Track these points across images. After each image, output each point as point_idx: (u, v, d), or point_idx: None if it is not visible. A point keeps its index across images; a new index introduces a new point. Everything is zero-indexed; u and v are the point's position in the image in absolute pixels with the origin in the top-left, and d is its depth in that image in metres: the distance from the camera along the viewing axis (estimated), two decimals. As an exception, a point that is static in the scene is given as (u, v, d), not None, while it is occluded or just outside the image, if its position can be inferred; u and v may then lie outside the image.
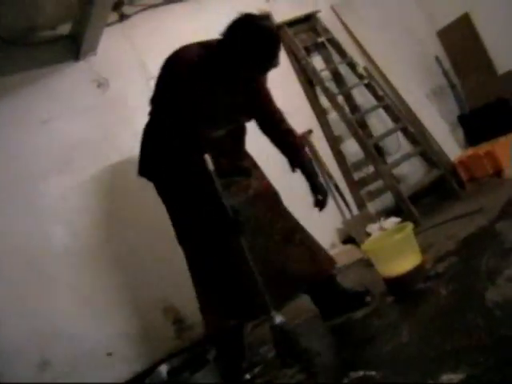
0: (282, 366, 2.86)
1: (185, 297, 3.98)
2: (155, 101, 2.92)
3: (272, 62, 2.58)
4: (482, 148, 4.91)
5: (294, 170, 3.12)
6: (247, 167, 3.05)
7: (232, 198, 2.78)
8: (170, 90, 2.72)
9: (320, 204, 3.07)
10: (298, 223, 3.11)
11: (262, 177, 3.13)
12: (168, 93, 2.73)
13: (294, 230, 3.06)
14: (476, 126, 5.40)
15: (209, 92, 2.67)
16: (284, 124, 3.12)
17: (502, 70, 5.73)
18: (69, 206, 3.85)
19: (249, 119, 3.03)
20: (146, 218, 4.02)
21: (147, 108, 4.28)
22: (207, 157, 2.61)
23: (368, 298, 3.07)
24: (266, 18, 2.64)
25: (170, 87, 2.71)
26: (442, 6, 5.99)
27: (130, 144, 4.03)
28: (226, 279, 2.90)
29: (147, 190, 4.04)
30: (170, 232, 4.05)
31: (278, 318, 2.72)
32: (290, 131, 3.13)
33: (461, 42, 5.99)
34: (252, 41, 2.52)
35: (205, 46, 2.71)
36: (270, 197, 3.07)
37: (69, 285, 3.73)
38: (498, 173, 4.66)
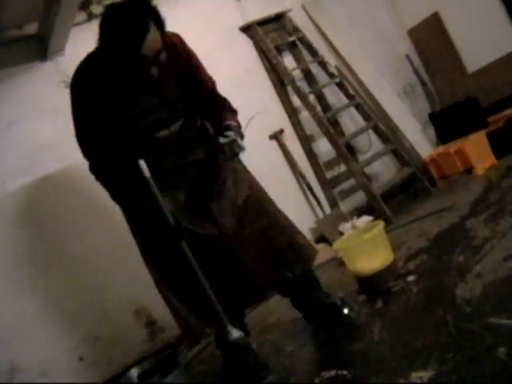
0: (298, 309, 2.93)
1: (157, 299, 3.95)
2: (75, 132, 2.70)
3: (133, 30, 2.31)
4: (453, 146, 4.94)
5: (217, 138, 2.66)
6: (199, 159, 2.73)
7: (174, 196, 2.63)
8: (75, 117, 2.61)
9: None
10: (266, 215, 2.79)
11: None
12: (76, 120, 2.62)
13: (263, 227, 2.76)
14: (446, 123, 5.44)
15: (118, 95, 2.51)
16: (218, 94, 2.84)
17: (471, 69, 5.79)
18: (35, 209, 3.79)
19: (182, 100, 2.68)
20: (115, 217, 3.96)
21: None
22: (142, 163, 2.48)
23: (345, 311, 2.81)
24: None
25: (74, 114, 2.61)
26: (412, 5, 6.03)
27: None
28: (176, 286, 2.73)
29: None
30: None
31: (235, 334, 2.59)
32: (223, 100, 2.85)
33: (431, 41, 6.04)
34: (104, 23, 2.36)
35: (93, 54, 2.56)
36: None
37: (36, 287, 3.66)
38: (469, 170, 4.70)
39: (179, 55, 2.63)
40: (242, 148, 2.58)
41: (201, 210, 2.64)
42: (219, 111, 2.77)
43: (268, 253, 2.72)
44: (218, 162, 2.74)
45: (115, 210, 3.98)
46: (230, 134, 2.56)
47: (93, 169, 2.68)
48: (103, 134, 2.56)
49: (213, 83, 2.82)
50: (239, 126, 2.70)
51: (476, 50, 5.63)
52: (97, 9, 4.29)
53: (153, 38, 2.33)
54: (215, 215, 2.64)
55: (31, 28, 3.94)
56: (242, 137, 2.64)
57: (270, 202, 2.87)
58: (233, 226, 2.65)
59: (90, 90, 2.50)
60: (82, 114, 2.58)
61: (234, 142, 2.54)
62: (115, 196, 2.67)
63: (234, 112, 2.82)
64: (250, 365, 2.62)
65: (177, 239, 2.53)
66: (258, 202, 2.78)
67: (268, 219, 2.76)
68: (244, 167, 2.88)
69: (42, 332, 3.61)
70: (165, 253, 2.65)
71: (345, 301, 2.86)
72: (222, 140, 2.55)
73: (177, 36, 2.68)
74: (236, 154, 2.61)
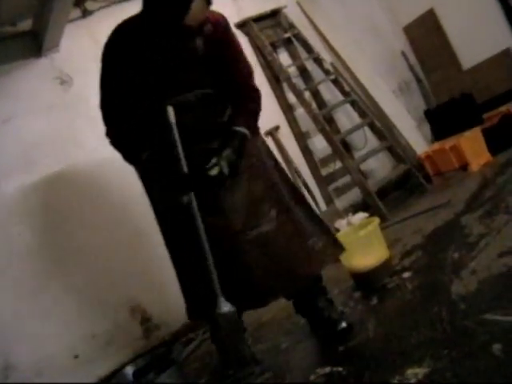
0: (302, 314, 2.81)
1: (152, 296, 3.97)
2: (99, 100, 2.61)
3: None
4: (448, 142, 4.95)
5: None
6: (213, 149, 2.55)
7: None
8: (102, 83, 2.54)
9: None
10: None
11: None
12: (102, 86, 2.54)
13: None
14: (442, 120, 5.44)
15: (145, 66, 2.42)
16: (247, 99, 2.66)
17: (466, 66, 5.80)
18: (30, 205, 3.77)
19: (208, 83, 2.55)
20: (110, 217, 3.97)
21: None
22: (170, 109, 2.37)
23: (343, 325, 2.62)
24: None
25: (101, 80, 2.53)
26: (408, 1, 6.03)
27: (94, 143, 3.98)
28: (186, 267, 2.65)
29: (112, 189, 4.02)
30: (136, 231, 4.04)
31: (226, 307, 2.40)
32: (257, 98, 2.69)
33: (426, 38, 6.05)
34: None
35: (131, 20, 2.49)
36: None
37: (31, 286, 3.65)
38: (464, 167, 4.71)
39: (220, 37, 2.51)
40: (222, 173, 2.39)
41: (212, 202, 2.49)
42: (236, 112, 2.62)
43: (277, 255, 2.54)
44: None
45: (112, 208, 4.01)
46: (224, 154, 2.42)
47: (111, 135, 2.62)
48: (127, 106, 2.49)
49: (244, 81, 2.65)
50: (242, 137, 2.53)
51: (471, 46, 5.64)
52: (91, 5, 4.28)
53: (198, 7, 2.25)
54: (226, 209, 2.50)
55: (25, 24, 3.91)
56: (234, 157, 2.46)
57: (287, 201, 2.66)
58: (242, 222, 2.50)
59: (121, 57, 2.43)
60: (109, 81, 2.49)
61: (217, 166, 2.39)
62: (132, 161, 2.59)
63: (252, 113, 2.66)
64: (233, 341, 2.48)
65: (187, 187, 2.38)
66: (270, 202, 2.59)
67: (276, 222, 2.57)
68: (264, 163, 2.69)
69: (36, 329, 3.59)
70: (179, 227, 2.57)
71: (344, 313, 2.77)
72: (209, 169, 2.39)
73: (222, 16, 2.56)
74: (219, 180, 2.41)
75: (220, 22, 2.51)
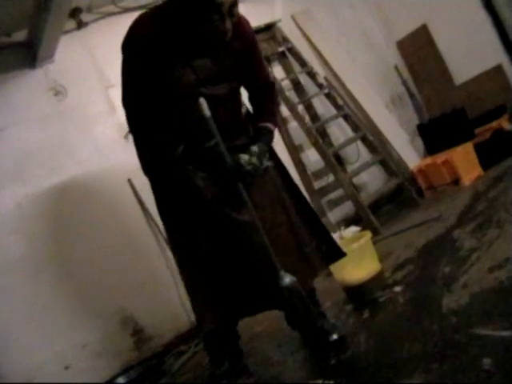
0: (292, 326, 2.76)
1: (144, 307, 3.96)
2: (123, 96, 2.50)
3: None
4: (440, 157, 4.98)
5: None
6: (241, 145, 2.57)
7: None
8: (124, 78, 2.44)
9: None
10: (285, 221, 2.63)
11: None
12: (129, 75, 2.43)
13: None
14: (434, 134, 5.48)
15: (176, 56, 2.35)
16: (269, 98, 2.75)
17: (459, 81, 5.84)
18: (23, 216, 3.77)
19: (234, 81, 2.54)
20: (102, 228, 3.96)
21: (106, 117, 4.25)
22: (202, 101, 2.33)
23: (334, 337, 2.62)
24: None
25: (129, 69, 2.42)
26: (401, 16, 6.08)
27: (87, 154, 3.99)
28: (212, 271, 2.56)
29: (104, 200, 4.02)
30: (129, 242, 4.03)
31: (287, 278, 2.38)
32: (275, 105, 2.83)
33: (419, 53, 6.09)
34: None
35: (157, 9, 2.41)
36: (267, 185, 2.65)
37: (23, 296, 3.64)
38: (456, 181, 4.74)
39: (249, 35, 2.55)
40: (255, 165, 2.46)
41: (240, 198, 2.44)
42: (260, 112, 2.72)
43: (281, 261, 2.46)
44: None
45: (105, 219, 4.01)
46: (254, 149, 2.51)
47: (135, 135, 2.53)
48: (151, 101, 2.41)
49: (266, 77, 2.72)
50: (270, 133, 2.67)
51: (464, 62, 5.69)
52: (86, 17, 4.29)
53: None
54: (254, 204, 2.46)
55: (20, 35, 3.93)
56: (266, 149, 2.62)
57: (289, 208, 2.66)
58: (268, 219, 2.52)
59: (151, 48, 2.32)
60: (138, 73, 2.38)
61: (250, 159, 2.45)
62: (153, 167, 2.53)
63: (274, 112, 2.75)
64: (300, 310, 2.43)
65: (234, 179, 2.40)
66: (274, 209, 2.61)
67: (280, 229, 2.58)
68: (272, 167, 2.73)
69: (27, 339, 3.58)
70: (195, 233, 2.53)
71: (335, 325, 2.73)
72: (242, 158, 2.44)
73: (245, 18, 2.55)
74: (248, 173, 2.45)
75: (247, 21, 2.55)
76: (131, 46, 2.36)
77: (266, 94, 2.72)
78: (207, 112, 2.34)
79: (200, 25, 2.24)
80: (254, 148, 2.51)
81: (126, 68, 2.41)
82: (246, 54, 2.53)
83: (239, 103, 2.64)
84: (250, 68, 2.59)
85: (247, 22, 2.55)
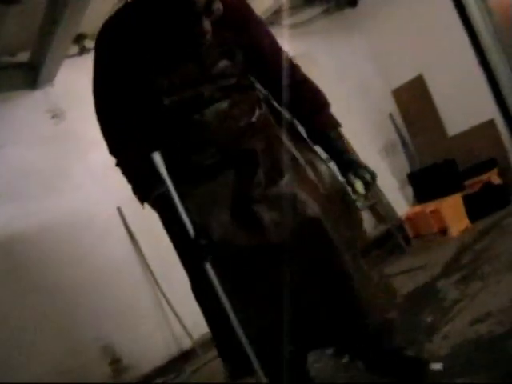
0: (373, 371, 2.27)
1: (123, 336, 3.92)
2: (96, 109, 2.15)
3: None
4: (429, 206, 5.02)
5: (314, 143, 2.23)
6: (252, 150, 2.06)
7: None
8: (94, 85, 2.08)
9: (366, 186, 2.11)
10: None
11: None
12: (95, 89, 2.08)
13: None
14: (424, 184, 5.53)
15: (149, 57, 1.94)
16: (294, 74, 2.23)
17: (451, 132, 5.92)
18: (11, 234, 3.76)
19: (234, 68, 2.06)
20: (83, 254, 3.93)
21: (101, 143, 4.24)
22: (156, 156, 1.90)
23: (438, 366, 2.23)
24: None
25: (94, 82, 2.07)
26: (398, 66, 6.18)
27: (81, 178, 4.00)
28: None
29: (93, 227, 4.02)
30: (108, 270, 4.01)
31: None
32: (301, 83, 2.26)
33: (414, 102, 6.18)
34: None
35: (124, 6, 2.01)
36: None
37: (4, 316, 3.59)
38: (444, 231, 4.77)
39: (234, 16, 2.01)
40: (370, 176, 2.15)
41: (247, 215, 1.99)
42: (302, 103, 2.23)
43: (333, 291, 2.01)
44: (280, 155, 2.08)
45: (93, 245, 3.99)
46: (354, 159, 2.19)
47: (113, 153, 2.14)
48: (124, 110, 2.04)
49: (281, 56, 2.20)
50: (336, 125, 2.27)
51: (457, 114, 5.76)
52: (90, 44, 4.34)
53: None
54: (265, 224, 1.97)
55: (24, 56, 3.97)
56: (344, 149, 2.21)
57: (337, 220, 2.07)
58: (285, 241, 1.96)
59: (115, 50, 1.96)
60: (102, 81, 2.04)
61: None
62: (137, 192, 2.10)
63: (320, 100, 2.32)
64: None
65: (199, 258, 1.92)
66: (318, 221, 1.99)
67: (329, 246, 1.99)
68: (313, 164, 2.18)
69: (1, 366, 3.52)
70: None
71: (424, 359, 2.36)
72: (353, 179, 2.11)
73: None
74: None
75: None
76: (96, 47, 2.03)
77: (293, 81, 2.19)
78: (162, 169, 1.91)
79: (171, 28, 1.87)
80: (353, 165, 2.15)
81: (95, 70, 2.05)
82: (241, 38, 2.05)
83: (244, 101, 2.09)
84: (257, 58, 2.11)
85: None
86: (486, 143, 5.56)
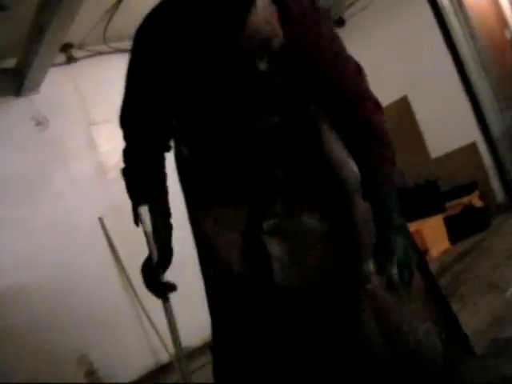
0: None
1: (100, 347, 3.88)
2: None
3: None
4: (411, 226, 5.01)
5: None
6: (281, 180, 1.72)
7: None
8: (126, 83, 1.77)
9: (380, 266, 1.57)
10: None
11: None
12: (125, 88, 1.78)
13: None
14: (406, 204, 5.56)
15: (188, 64, 1.60)
16: (353, 108, 1.71)
17: (434, 154, 5.97)
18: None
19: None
20: (67, 265, 3.90)
21: (85, 153, 4.24)
22: (143, 210, 1.74)
23: None
24: None
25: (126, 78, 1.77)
26: (383, 87, 6.22)
27: (62, 187, 3.97)
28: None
29: (73, 236, 3.98)
30: (87, 281, 3.97)
31: None
32: (360, 123, 1.69)
33: (398, 123, 6.19)
34: None
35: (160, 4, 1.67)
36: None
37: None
38: (424, 252, 4.78)
39: (291, 25, 1.57)
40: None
41: (257, 250, 1.68)
42: (354, 144, 1.73)
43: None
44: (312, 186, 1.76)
45: (72, 254, 3.95)
46: (391, 239, 1.61)
47: (124, 157, 1.81)
48: (149, 118, 1.75)
49: (345, 79, 1.74)
50: (392, 182, 1.67)
51: (440, 136, 5.81)
52: (77, 53, 4.34)
53: (260, 13, 1.50)
54: (272, 261, 1.66)
55: (10, 62, 3.95)
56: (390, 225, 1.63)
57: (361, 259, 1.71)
58: (296, 284, 1.66)
59: (152, 52, 1.66)
60: (133, 81, 1.76)
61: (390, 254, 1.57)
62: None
63: (382, 146, 1.72)
64: None
65: (158, 295, 1.82)
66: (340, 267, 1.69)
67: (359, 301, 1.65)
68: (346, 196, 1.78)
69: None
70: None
71: None
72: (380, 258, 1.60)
73: None
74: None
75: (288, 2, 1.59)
76: (134, 43, 1.74)
77: (347, 114, 1.72)
78: (147, 226, 1.77)
79: (185, 35, 1.58)
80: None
81: (132, 57, 1.76)
82: (296, 51, 1.61)
83: (290, 121, 1.73)
84: (315, 77, 1.70)
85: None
86: (468, 166, 5.61)
